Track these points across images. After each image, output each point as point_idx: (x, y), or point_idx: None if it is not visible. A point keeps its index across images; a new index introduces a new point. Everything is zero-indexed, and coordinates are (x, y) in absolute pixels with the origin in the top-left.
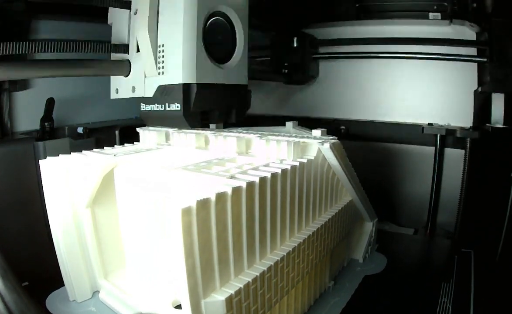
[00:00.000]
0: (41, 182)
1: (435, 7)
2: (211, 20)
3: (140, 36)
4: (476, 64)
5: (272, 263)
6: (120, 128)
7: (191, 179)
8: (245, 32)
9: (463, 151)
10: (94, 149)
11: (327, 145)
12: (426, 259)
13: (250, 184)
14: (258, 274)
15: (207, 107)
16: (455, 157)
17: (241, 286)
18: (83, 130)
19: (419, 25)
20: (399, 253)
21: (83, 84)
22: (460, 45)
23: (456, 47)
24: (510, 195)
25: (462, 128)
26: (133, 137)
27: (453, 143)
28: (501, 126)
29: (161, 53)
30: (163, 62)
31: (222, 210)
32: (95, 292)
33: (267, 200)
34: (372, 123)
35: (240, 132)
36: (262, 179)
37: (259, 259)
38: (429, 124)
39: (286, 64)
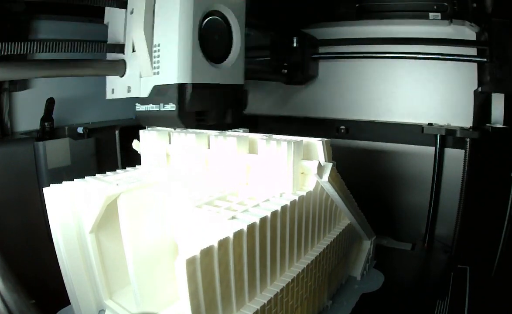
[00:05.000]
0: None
1: (435, 7)
2: (207, 19)
3: (136, 36)
4: (476, 64)
5: (272, 296)
6: (120, 128)
7: (194, 217)
8: (241, 32)
9: (463, 152)
10: (97, 175)
11: (325, 178)
12: (422, 276)
13: (251, 226)
14: (258, 307)
15: (202, 107)
16: (454, 157)
17: None
18: (83, 130)
19: (419, 25)
20: (396, 269)
21: (83, 84)
22: (460, 45)
23: (456, 47)
24: (510, 196)
25: (462, 128)
26: (133, 137)
27: (453, 143)
28: (501, 126)
29: (156, 53)
30: (158, 62)
31: (224, 254)
32: (101, 311)
33: (267, 238)
34: (372, 123)
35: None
36: (263, 220)
37: (260, 291)
38: (429, 124)
39: (285, 64)
